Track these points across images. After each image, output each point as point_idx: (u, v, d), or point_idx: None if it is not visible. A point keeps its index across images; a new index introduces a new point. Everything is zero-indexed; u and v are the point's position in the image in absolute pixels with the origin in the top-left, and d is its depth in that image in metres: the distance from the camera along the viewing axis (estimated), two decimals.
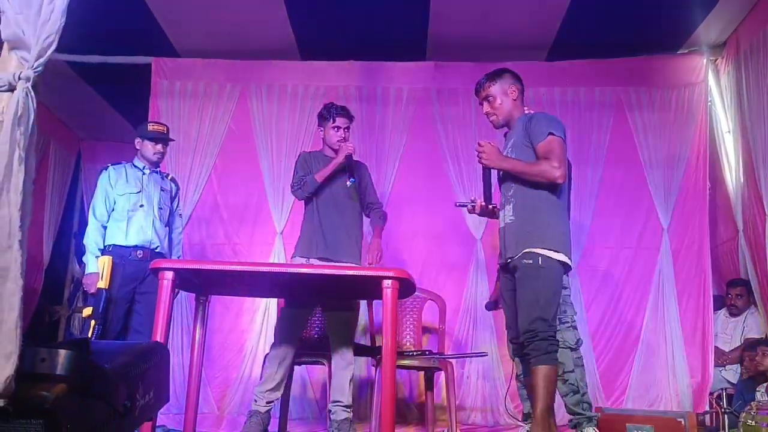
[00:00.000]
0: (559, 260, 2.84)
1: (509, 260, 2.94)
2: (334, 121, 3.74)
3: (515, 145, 3.01)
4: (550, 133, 2.86)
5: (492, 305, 3.88)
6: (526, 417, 3.53)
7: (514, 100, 3.06)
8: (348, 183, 3.67)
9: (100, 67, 5.26)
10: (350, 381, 3.54)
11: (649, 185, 4.90)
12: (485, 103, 3.11)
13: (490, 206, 3.11)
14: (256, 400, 3.47)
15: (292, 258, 3.79)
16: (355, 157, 3.76)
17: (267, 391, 3.45)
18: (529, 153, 2.93)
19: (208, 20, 4.86)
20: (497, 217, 3.13)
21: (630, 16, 4.60)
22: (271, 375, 3.47)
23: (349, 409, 3.51)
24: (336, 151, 3.72)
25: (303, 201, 3.79)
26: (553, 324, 2.82)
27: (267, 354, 3.71)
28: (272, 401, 3.47)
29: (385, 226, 3.94)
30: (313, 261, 3.58)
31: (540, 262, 2.80)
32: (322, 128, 3.82)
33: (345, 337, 3.60)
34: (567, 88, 5.08)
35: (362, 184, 3.85)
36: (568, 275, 3.49)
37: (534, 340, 2.75)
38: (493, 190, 3.10)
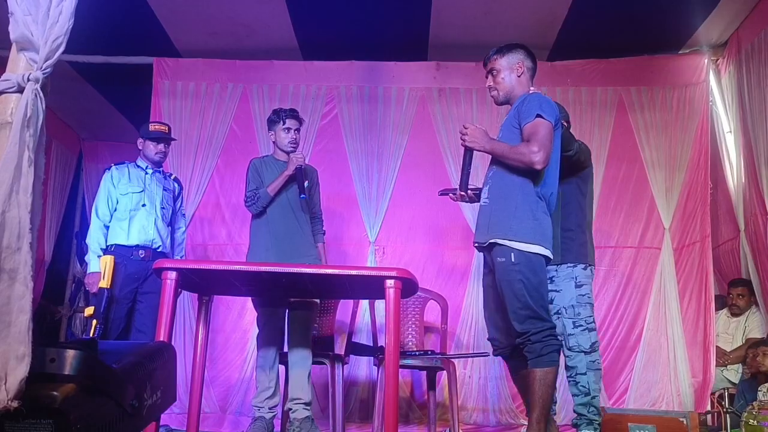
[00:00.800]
0: (532, 252, 2.70)
1: (476, 244, 2.87)
2: (284, 123, 3.74)
3: (504, 126, 2.89)
4: (538, 115, 2.69)
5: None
6: None
7: (519, 76, 2.90)
8: (302, 196, 3.66)
9: (102, 68, 5.27)
10: (308, 378, 3.53)
11: (651, 185, 4.90)
12: (489, 77, 2.97)
13: (470, 192, 2.98)
14: (258, 409, 3.49)
15: None
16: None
17: (265, 399, 3.48)
18: (516, 134, 2.79)
19: (210, 20, 4.86)
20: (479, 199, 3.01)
21: (631, 16, 4.61)
22: (264, 384, 3.51)
23: (308, 407, 3.49)
24: (287, 154, 3.72)
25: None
26: (547, 319, 2.71)
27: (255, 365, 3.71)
28: (274, 407, 3.50)
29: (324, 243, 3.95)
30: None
31: (513, 259, 2.68)
32: (272, 132, 3.81)
33: (303, 334, 3.60)
34: (568, 88, 5.08)
35: (311, 190, 3.85)
36: (592, 273, 3.47)
37: (527, 343, 2.66)
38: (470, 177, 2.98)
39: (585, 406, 3.36)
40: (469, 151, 2.89)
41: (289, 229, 3.67)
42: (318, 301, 3.77)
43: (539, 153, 2.64)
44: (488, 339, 3.03)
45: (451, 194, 3.10)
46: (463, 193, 2.99)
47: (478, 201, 2.99)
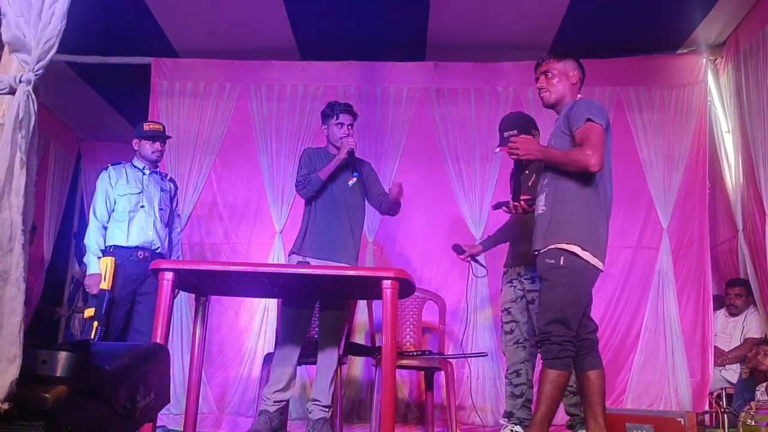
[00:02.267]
0: (585, 259, 2.70)
1: (536, 252, 2.85)
2: (337, 118, 3.70)
3: (554, 133, 2.91)
4: (588, 120, 2.72)
5: (459, 248, 3.83)
6: (508, 415, 3.55)
7: (573, 84, 2.94)
8: (351, 181, 3.63)
9: (100, 68, 5.27)
10: (332, 381, 3.52)
11: (649, 185, 4.90)
12: (541, 77, 2.98)
13: (523, 202, 3.00)
14: (264, 401, 3.46)
15: (288, 256, 3.78)
16: (357, 154, 3.74)
17: (275, 392, 3.43)
18: (567, 140, 2.82)
19: (208, 20, 4.86)
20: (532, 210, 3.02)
21: (629, 16, 4.60)
22: (278, 376, 3.45)
23: (327, 410, 3.49)
24: (339, 149, 3.67)
25: (306, 200, 3.76)
26: (573, 329, 2.71)
27: (269, 354, 3.70)
28: (281, 401, 3.45)
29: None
30: (309, 260, 3.53)
31: (562, 262, 2.69)
32: (325, 126, 3.77)
33: (334, 336, 3.59)
34: None
35: (369, 180, 3.82)
36: None
37: (546, 343, 2.67)
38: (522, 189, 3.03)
39: (576, 405, 3.38)
40: (519, 162, 2.90)
41: (328, 225, 3.63)
42: (355, 302, 3.75)
43: (593, 156, 2.66)
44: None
45: (504, 207, 3.11)
46: (517, 203, 3.01)
47: (532, 211, 3.01)
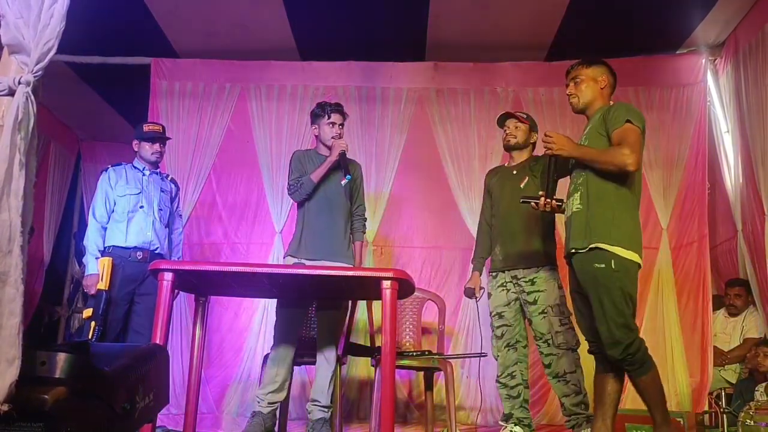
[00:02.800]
0: (630, 259, 2.74)
1: (573, 251, 2.84)
2: (329, 117, 3.69)
3: (589, 134, 2.93)
4: (628, 121, 2.77)
5: (470, 292, 3.81)
6: (507, 418, 3.55)
7: (602, 89, 2.98)
8: (343, 182, 3.64)
9: (100, 68, 5.26)
10: (331, 381, 3.52)
11: (648, 185, 4.89)
12: (570, 84, 3.03)
13: (555, 201, 3.01)
14: (258, 402, 3.46)
15: (284, 258, 3.78)
16: (348, 156, 3.74)
17: (269, 393, 3.43)
18: (603, 142, 2.83)
19: (208, 21, 4.86)
20: (563, 212, 3.03)
21: (629, 17, 4.61)
22: (272, 377, 3.44)
23: (326, 410, 3.49)
24: (330, 149, 3.67)
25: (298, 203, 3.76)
26: (637, 329, 2.75)
27: (266, 355, 3.71)
28: (275, 403, 3.45)
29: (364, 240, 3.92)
30: (303, 261, 3.54)
31: (613, 266, 2.71)
32: (316, 125, 3.75)
33: (332, 336, 3.59)
34: (566, 89, 5.06)
35: (356, 183, 3.82)
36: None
37: (628, 358, 2.68)
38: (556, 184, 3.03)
39: (578, 405, 3.38)
40: (553, 158, 2.92)
41: (323, 226, 3.63)
42: (349, 301, 3.74)
43: (632, 155, 2.70)
44: (587, 340, 3.02)
45: (534, 202, 3.09)
46: (549, 200, 3.01)
47: (560, 211, 3.04)
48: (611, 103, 3.00)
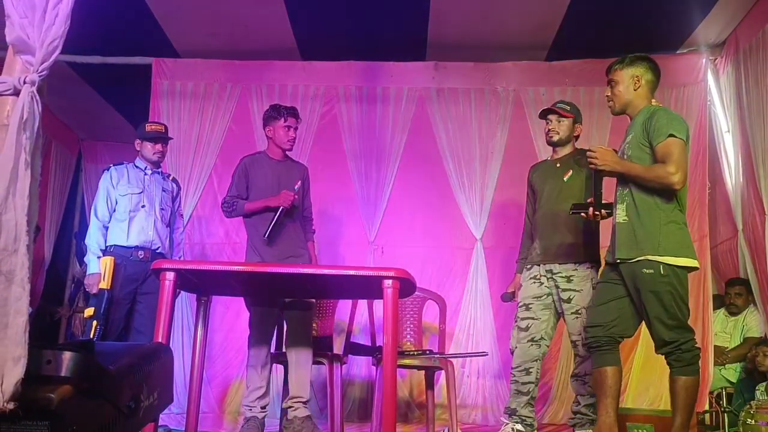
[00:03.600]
0: (680, 265, 2.76)
1: (619, 261, 2.86)
2: (285, 120, 3.71)
3: (632, 143, 2.91)
4: (671, 135, 2.74)
5: (509, 297, 3.80)
6: (511, 412, 3.51)
7: (636, 89, 2.94)
8: (296, 185, 3.66)
9: (101, 68, 5.27)
10: (309, 377, 3.54)
11: None
12: (608, 87, 3.03)
13: (604, 211, 3.03)
14: (250, 409, 3.48)
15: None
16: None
17: (257, 399, 3.47)
18: (646, 153, 2.84)
19: (208, 21, 4.86)
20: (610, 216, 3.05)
21: (629, 16, 4.61)
22: (257, 381, 3.49)
23: (308, 404, 3.50)
24: (283, 151, 3.73)
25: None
26: (692, 330, 2.79)
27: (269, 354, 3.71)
28: (266, 406, 3.50)
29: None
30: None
31: (662, 271, 2.74)
32: (270, 127, 3.75)
33: (303, 333, 3.59)
34: (566, 88, 5.08)
35: (303, 187, 3.82)
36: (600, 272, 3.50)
37: (676, 352, 2.72)
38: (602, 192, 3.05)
39: (590, 406, 3.37)
40: (598, 172, 2.93)
41: (284, 228, 3.65)
42: (314, 300, 3.77)
43: (677, 174, 2.71)
44: (586, 327, 3.06)
45: (583, 212, 3.10)
46: (598, 212, 3.04)
47: (608, 216, 3.07)
48: (654, 102, 2.97)
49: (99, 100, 6.07)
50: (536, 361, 3.50)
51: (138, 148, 4.12)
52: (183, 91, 5.27)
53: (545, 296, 3.53)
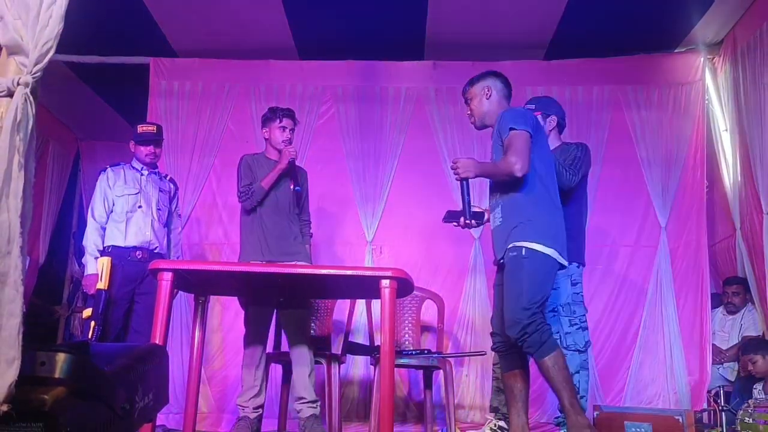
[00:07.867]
0: (544, 253, 2.80)
1: (501, 260, 2.94)
2: (281, 121, 3.75)
3: (494, 148, 3.04)
4: (511, 129, 2.87)
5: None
6: (494, 410, 3.53)
7: (488, 99, 3.08)
8: (294, 189, 3.68)
9: (99, 68, 5.27)
10: (311, 375, 3.54)
11: (647, 183, 4.91)
12: (467, 106, 3.17)
13: (473, 221, 3.07)
14: (243, 409, 3.49)
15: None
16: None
17: (251, 398, 3.48)
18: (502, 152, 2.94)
19: (206, 20, 4.86)
20: (488, 221, 3.14)
21: (627, 15, 4.60)
22: (251, 381, 3.51)
23: (315, 404, 3.50)
24: (279, 152, 3.73)
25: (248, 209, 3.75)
26: (541, 313, 2.78)
27: (268, 354, 3.71)
28: (258, 406, 3.51)
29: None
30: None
31: (523, 252, 2.79)
32: (266, 129, 3.81)
33: (303, 333, 3.61)
34: (564, 87, 5.08)
35: (304, 192, 3.87)
36: (581, 271, 3.51)
37: (525, 337, 2.72)
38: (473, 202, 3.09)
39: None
40: (465, 181, 3.01)
41: (279, 229, 3.68)
42: (312, 300, 3.78)
43: (517, 162, 2.80)
44: (490, 333, 3.09)
45: (454, 222, 3.15)
46: (468, 221, 3.08)
47: (483, 223, 3.19)
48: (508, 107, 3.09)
49: (97, 100, 6.07)
50: None
51: (132, 150, 4.13)
52: (181, 91, 5.26)
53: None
